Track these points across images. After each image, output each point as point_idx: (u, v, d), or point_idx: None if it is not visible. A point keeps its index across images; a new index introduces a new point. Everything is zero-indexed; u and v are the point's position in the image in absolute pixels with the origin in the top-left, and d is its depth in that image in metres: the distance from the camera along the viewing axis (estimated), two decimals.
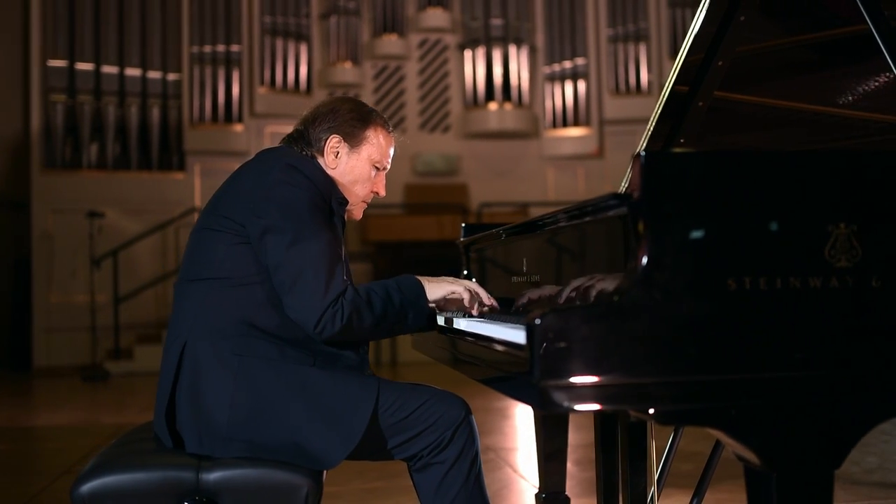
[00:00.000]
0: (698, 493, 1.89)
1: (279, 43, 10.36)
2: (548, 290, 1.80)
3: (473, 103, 10.96)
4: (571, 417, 2.57)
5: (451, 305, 1.88)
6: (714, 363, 1.21)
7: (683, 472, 3.34)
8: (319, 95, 10.69)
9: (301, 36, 10.51)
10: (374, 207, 8.98)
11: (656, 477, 1.94)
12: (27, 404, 7.11)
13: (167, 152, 9.95)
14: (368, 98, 10.79)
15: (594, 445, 2.06)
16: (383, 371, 7.78)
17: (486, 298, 1.90)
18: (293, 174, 1.75)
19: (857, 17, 2.34)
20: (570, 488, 2.57)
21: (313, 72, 10.65)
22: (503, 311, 1.98)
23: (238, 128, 10.13)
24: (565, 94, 11.05)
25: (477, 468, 1.74)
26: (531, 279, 1.91)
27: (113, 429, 5.27)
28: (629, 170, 2.42)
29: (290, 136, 1.96)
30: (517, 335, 1.36)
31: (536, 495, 2.56)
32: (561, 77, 11.07)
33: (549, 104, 11.12)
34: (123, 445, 1.75)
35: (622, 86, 11.00)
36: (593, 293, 1.48)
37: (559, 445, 2.50)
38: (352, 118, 1.92)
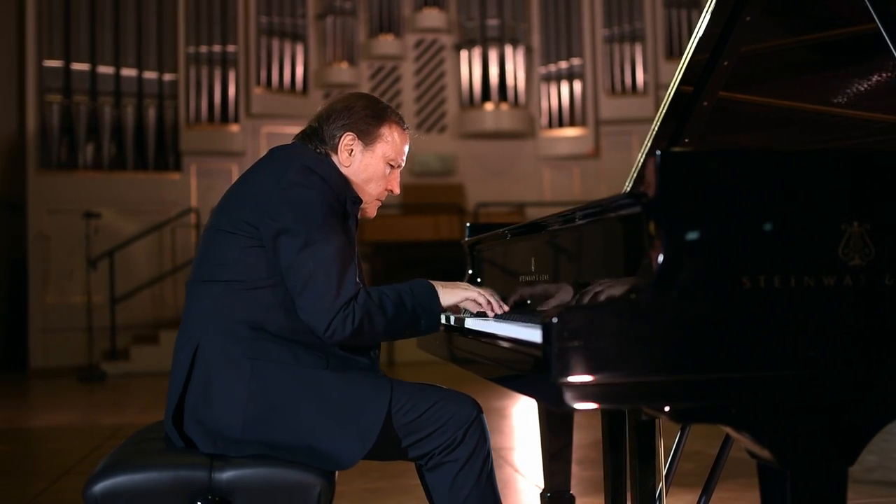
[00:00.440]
0: (706, 492, 1.90)
1: (275, 43, 10.35)
2: (557, 289, 1.81)
3: (469, 103, 10.97)
4: (575, 416, 2.58)
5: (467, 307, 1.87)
6: (729, 361, 1.22)
7: (685, 472, 3.35)
8: (316, 96, 10.69)
9: (297, 36, 10.50)
10: None
11: (663, 476, 1.95)
12: (24, 405, 7.09)
13: (163, 153, 9.93)
14: None
15: (602, 444, 2.07)
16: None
17: (498, 307, 1.89)
18: (308, 176, 1.74)
19: (859, 18, 2.35)
20: (574, 487, 2.58)
21: (309, 72, 10.64)
22: (511, 311, 1.99)
23: (234, 128, 10.11)
24: (561, 94, 11.06)
25: (489, 467, 1.74)
26: (539, 278, 1.91)
27: (111, 429, 5.26)
28: (634, 170, 2.43)
29: (303, 132, 1.95)
30: (532, 334, 1.36)
31: (541, 494, 2.56)
32: (557, 77, 11.09)
33: (545, 104, 11.14)
34: (134, 445, 1.75)
35: (618, 86, 11.02)
36: (607, 293, 1.49)
37: (564, 444, 2.51)
38: (366, 115, 1.90)
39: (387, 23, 10.87)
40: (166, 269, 9.61)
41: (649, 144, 2.35)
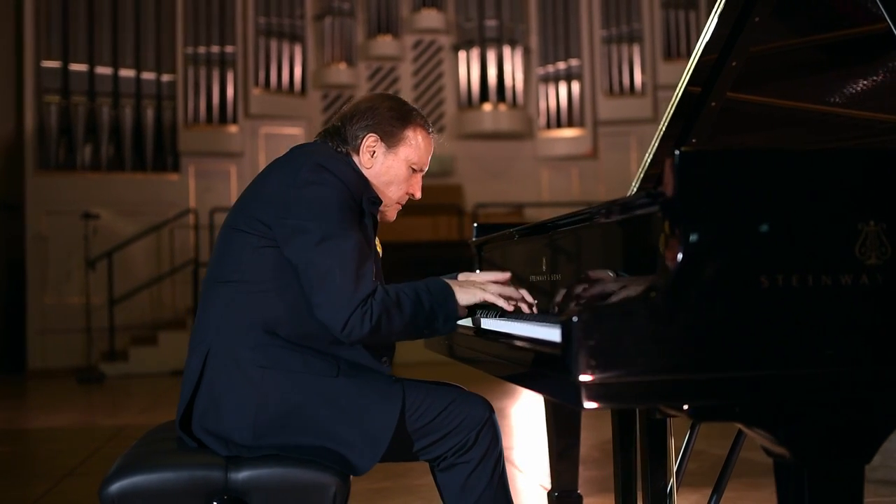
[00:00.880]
0: (717, 491, 1.90)
1: (273, 44, 10.35)
2: (569, 288, 1.81)
3: (468, 104, 10.98)
4: (581, 416, 2.58)
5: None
6: (748, 359, 1.23)
7: (689, 471, 3.35)
8: (314, 97, 10.69)
9: (295, 37, 10.50)
10: None
11: (672, 474, 1.96)
12: (23, 406, 7.08)
13: (161, 153, 9.93)
14: None
15: (612, 444, 2.07)
16: None
17: (521, 301, 1.83)
18: (322, 173, 1.71)
19: (865, 18, 2.36)
20: (580, 487, 2.58)
21: (308, 73, 10.65)
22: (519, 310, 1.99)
23: (232, 129, 10.11)
24: (559, 95, 11.08)
25: (501, 468, 1.74)
26: (551, 278, 1.92)
27: (112, 430, 5.26)
28: (641, 170, 2.44)
29: (326, 130, 1.91)
30: (550, 333, 1.37)
31: (549, 494, 2.57)
32: (555, 78, 11.10)
33: (543, 105, 11.16)
34: (148, 445, 1.75)
35: (616, 87, 11.04)
36: (621, 293, 1.49)
37: (571, 444, 2.51)
38: (391, 117, 1.86)
39: (385, 23, 10.88)
40: (165, 269, 9.61)
41: (657, 145, 2.36)
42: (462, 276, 1.96)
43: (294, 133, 10.38)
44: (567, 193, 11.02)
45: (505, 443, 4.78)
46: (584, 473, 3.72)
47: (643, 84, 10.98)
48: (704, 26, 2.12)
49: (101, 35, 9.64)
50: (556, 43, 11.11)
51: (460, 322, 1.98)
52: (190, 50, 9.97)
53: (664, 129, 2.31)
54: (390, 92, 10.80)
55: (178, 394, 1.78)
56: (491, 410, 1.76)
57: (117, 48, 9.71)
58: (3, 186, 9.75)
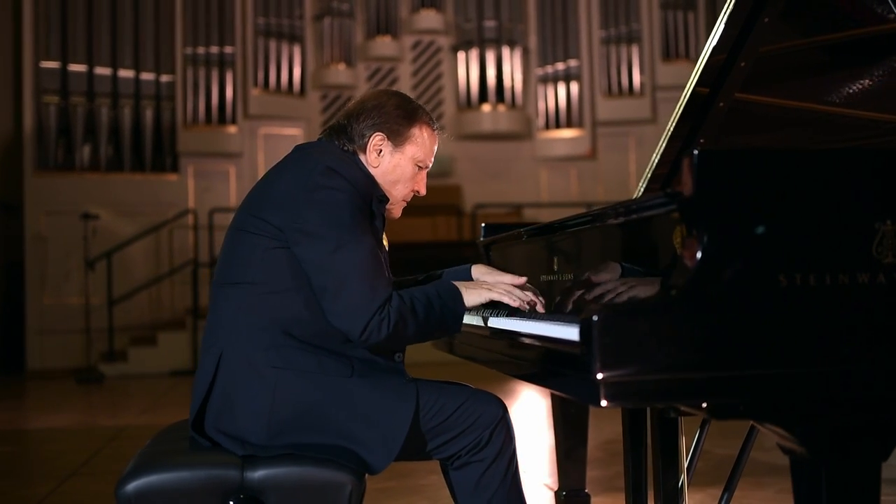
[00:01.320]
0: (728, 489, 1.91)
1: (272, 44, 10.35)
2: (581, 288, 1.82)
3: (467, 105, 10.99)
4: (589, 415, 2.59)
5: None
6: (766, 357, 1.24)
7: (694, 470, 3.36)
8: (313, 97, 10.69)
9: (294, 37, 10.50)
10: None
11: (682, 473, 1.96)
12: (22, 407, 7.07)
13: (160, 154, 9.91)
14: None
15: (622, 443, 2.08)
16: None
17: (531, 300, 1.86)
18: (333, 177, 1.71)
19: (871, 19, 2.37)
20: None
21: (307, 73, 10.64)
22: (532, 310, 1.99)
23: (231, 129, 10.10)
24: (558, 95, 11.09)
25: (514, 467, 1.74)
26: (562, 278, 1.92)
27: (113, 431, 5.25)
28: (648, 170, 2.45)
29: (331, 127, 1.90)
30: (567, 331, 1.37)
31: (556, 493, 2.57)
32: (554, 79, 11.11)
33: (542, 106, 11.17)
34: (162, 444, 1.75)
35: (615, 87, 11.05)
36: (638, 291, 1.50)
37: (579, 443, 2.52)
38: (398, 115, 1.86)
39: (384, 24, 10.89)
40: (164, 270, 9.59)
41: (664, 145, 2.37)
42: (476, 272, 1.96)
43: (293, 133, 10.39)
44: (566, 194, 11.04)
45: None
46: (589, 473, 3.70)
47: (642, 85, 10.99)
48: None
49: (100, 35, 9.63)
50: (555, 43, 11.12)
51: (472, 322, 1.99)
52: (189, 50, 9.96)
53: (672, 129, 2.32)
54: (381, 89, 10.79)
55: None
56: (504, 409, 1.76)
57: (116, 48, 9.70)
58: (1, 187, 9.73)
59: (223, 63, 10.07)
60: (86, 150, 9.61)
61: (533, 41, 11.22)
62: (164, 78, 9.87)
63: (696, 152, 1.24)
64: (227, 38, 10.10)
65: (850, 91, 2.40)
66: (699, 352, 1.22)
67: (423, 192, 1.94)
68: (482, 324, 1.93)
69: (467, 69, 10.97)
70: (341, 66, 10.72)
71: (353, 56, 10.83)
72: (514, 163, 11.18)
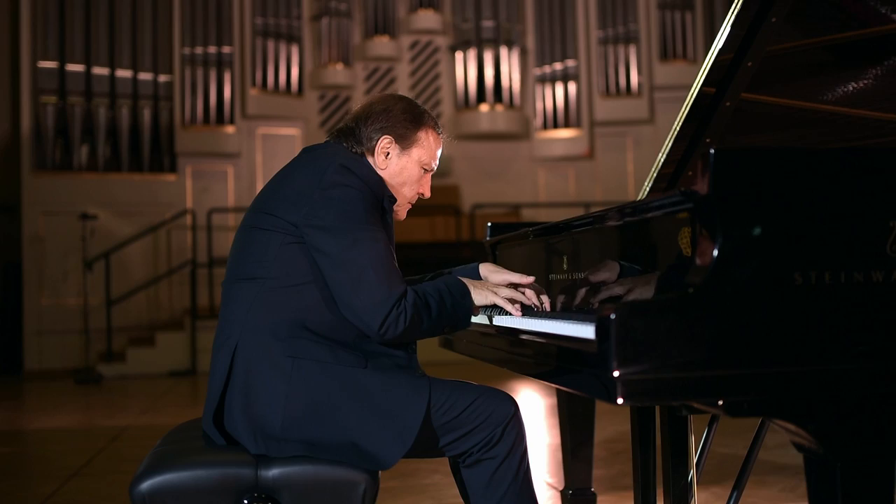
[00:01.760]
0: (737, 487, 1.92)
1: (270, 44, 10.34)
2: (591, 287, 1.82)
3: (465, 105, 11.00)
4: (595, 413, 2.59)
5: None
6: (781, 355, 1.24)
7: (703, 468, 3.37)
8: (311, 97, 10.69)
9: (292, 37, 10.50)
10: None
11: (692, 471, 1.97)
12: (21, 407, 7.06)
13: (158, 154, 9.91)
14: (360, 100, 10.73)
15: (631, 441, 2.09)
16: None
17: (537, 302, 1.91)
18: (347, 175, 1.75)
19: (877, 19, 2.38)
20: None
21: (305, 73, 10.64)
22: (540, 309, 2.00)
23: (229, 129, 10.09)
24: (556, 95, 11.11)
25: (525, 464, 1.75)
26: (572, 276, 1.93)
27: (114, 431, 5.25)
28: (654, 169, 2.45)
29: (339, 130, 1.94)
30: (582, 330, 1.38)
31: (563, 492, 2.58)
32: (552, 79, 11.13)
33: (539, 106, 11.18)
34: (175, 444, 1.75)
35: (612, 87, 11.07)
36: (652, 290, 1.51)
37: (585, 441, 2.53)
38: (405, 119, 1.91)
39: (382, 24, 10.89)
40: (162, 270, 9.59)
41: (670, 145, 2.37)
42: (484, 270, 1.99)
43: (291, 133, 10.39)
44: (563, 194, 11.05)
45: None
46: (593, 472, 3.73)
47: (639, 85, 11.01)
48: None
49: (98, 35, 9.62)
50: (553, 44, 11.14)
51: (477, 320, 2.01)
52: (187, 50, 9.95)
53: (678, 128, 2.32)
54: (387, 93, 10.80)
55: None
56: (516, 407, 1.77)
57: (114, 48, 9.69)
58: None
59: (221, 63, 10.06)
60: (83, 151, 9.59)
61: (531, 41, 11.24)
62: (162, 78, 9.86)
63: (712, 151, 1.25)
64: (224, 38, 10.09)
65: (856, 91, 2.41)
66: (715, 349, 1.23)
67: (427, 194, 2.00)
68: (487, 322, 1.95)
69: (465, 69, 10.99)
70: (339, 66, 10.72)
71: (350, 56, 10.83)
72: (512, 163, 11.19)
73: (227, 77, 10.05)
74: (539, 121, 11.18)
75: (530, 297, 1.91)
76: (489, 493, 1.72)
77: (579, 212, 10.02)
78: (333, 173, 1.75)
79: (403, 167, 1.92)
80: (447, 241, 10.03)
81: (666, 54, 11.02)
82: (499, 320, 1.92)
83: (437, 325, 1.78)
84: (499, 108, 10.96)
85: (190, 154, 9.94)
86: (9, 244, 9.52)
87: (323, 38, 10.69)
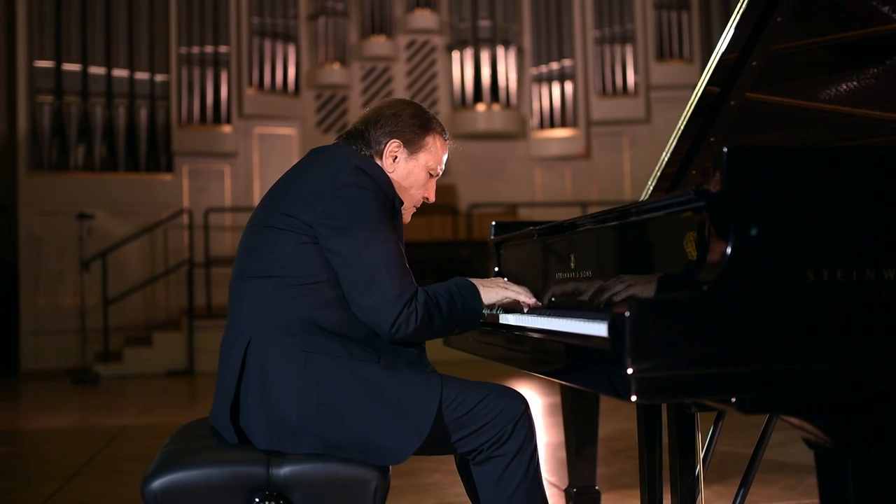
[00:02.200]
0: (744, 484, 1.93)
1: (267, 44, 10.33)
2: (600, 285, 1.83)
3: (461, 104, 11.00)
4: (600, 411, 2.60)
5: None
6: (794, 352, 1.25)
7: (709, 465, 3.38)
8: (308, 97, 10.68)
9: (289, 37, 10.49)
10: None
11: (699, 469, 1.98)
12: (18, 408, 7.04)
13: (155, 154, 9.89)
14: (356, 99, 10.80)
15: (637, 439, 2.09)
16: None
17: (531, 300, 1.95)
18: (361, 176, 1.77)
19: (877, 19, 2.39)
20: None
21: (301, 73, 10.63)
22: (547, 307, 2.01)
23: (226, 129, 10.08)
24: (552, 95, 11.12)
25: (535, 462, 1.76)
26: (580, 275, 1.94)
27: (113, 431, 5.24)
28: (658, 168, 2.46)
29: (348, 133, 1.98)
30: (593, 327, 1.38)
31: (566, 490, 2.59)
32: (548, 78, 11.14)
33: (536, 105, 11.19)
34: (184, 442, 1.75)
35: (609, 87, 11.09)
36: (663, 288, 1.51)
37: (589, 440, 2.53)
38: (413, 124, 1.95)
39: (378, 24, 10.89)
40: (159, 270, 9.58)
41: (674, 144, 2.38)
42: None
43: (288, 133, 10.38)
44: (560, 193, 11.07)
45: None
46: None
47: (636, 84, 11.04)
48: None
49: (95, 35, 9.60)
50: (550, 43, 11.15)
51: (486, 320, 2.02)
52: (183, 50, 9.93)
53: (682, 127, 2.33)
54: (384, 93, 10.81)
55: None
56: (526, 405, 1.78)
57: (110, 48, 9.67)
58: None
59: (218, 63, 10.05)
60: (80, 150, 9.57)
61: (527, 41, 11.25)
62: (159, 77, 9.84)
63: (725, 150, 1.26)
64: (221, 38, 10.08)
65: (858, 90, 2.42)
66: (728, 347, 1.24)
67: (432, 198, 2.03)
68: (495, 321, 1.96)
69: (462, 69, 10.99)
70: (336, 66, 10.71)
71: (347, 56, 10.82)
72: (509, 162, 11.20)
73: (223, 77, 10.04)
74: (536, 120, 11.19)
75: (532, 301, 1.96)
76: (499, 491, 1.73)
77: (576, 211, 10.08)
78: (348, 174, 1.77)
79: (410, 171, 1.96)
80: (444, 241, 10.04)
81: (662, 54, 11.04)
82: (506, 318, 1.93)
83: (448, 325, 1.80)
84: (495, 107, 10.97)
85: (186, 154, 9.93)
86: (5, 244, 9.50)
87: (319, 37, 10.68)
